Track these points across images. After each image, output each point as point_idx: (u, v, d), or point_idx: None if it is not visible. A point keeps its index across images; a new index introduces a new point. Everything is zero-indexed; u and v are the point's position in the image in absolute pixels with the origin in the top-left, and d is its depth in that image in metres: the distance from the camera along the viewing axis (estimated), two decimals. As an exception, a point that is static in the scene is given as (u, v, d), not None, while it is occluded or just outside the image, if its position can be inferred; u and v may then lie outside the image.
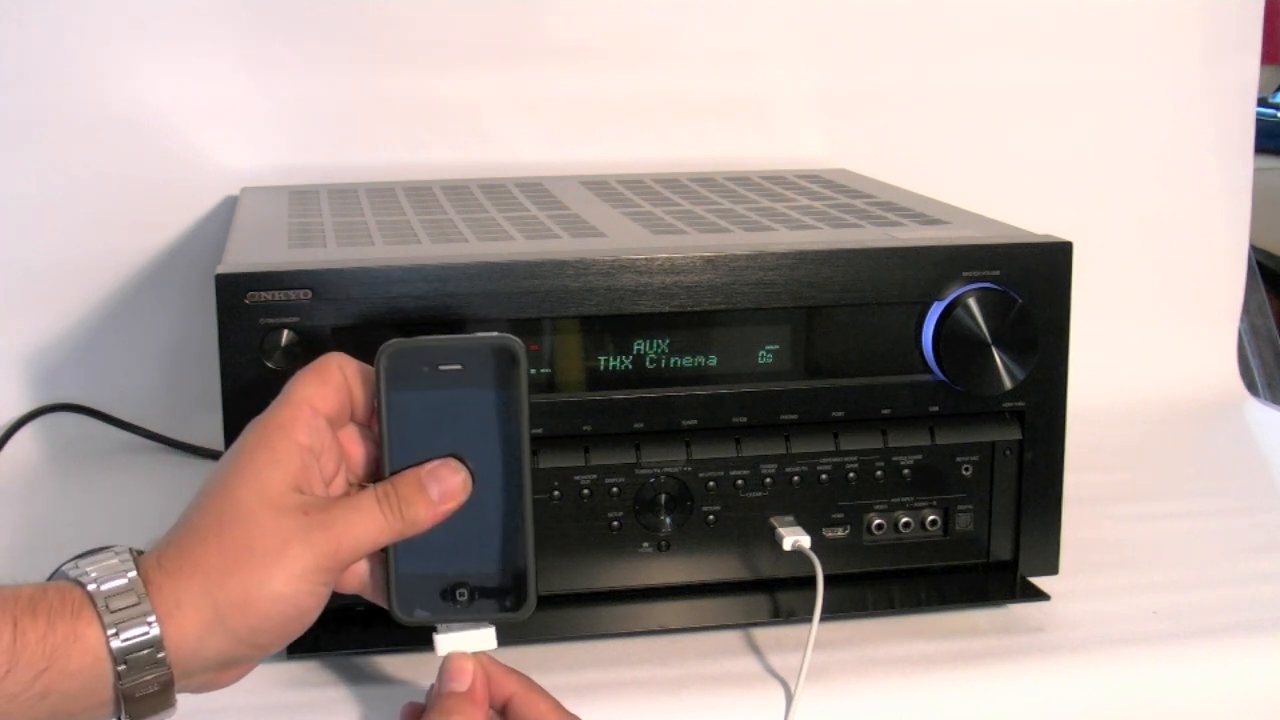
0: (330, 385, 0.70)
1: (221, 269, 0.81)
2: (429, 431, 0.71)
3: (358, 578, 0.72)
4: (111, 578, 0.64)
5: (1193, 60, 1.40)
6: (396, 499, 0.69)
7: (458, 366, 0.70)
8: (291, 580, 0.65)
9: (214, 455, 1.19)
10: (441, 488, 0.70)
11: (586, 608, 0.88)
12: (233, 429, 0.81)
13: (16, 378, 1.24)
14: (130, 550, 0.66)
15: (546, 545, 0.87)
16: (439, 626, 0.72)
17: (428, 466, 0.70)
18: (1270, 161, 1.89)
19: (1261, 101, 2.51)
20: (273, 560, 0.65)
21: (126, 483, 1.16)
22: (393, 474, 0.70)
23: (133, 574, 0.64)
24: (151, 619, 0.63)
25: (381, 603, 0.72)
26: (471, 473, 0.71)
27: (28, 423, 1.22)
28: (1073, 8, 1.37)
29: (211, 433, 1.13)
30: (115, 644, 0.63)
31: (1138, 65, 1.39)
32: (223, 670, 0.67)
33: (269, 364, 0.81)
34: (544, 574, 0.87)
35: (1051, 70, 1.38)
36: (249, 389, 0.81)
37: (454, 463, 0.70)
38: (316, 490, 0.69)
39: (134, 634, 0.63)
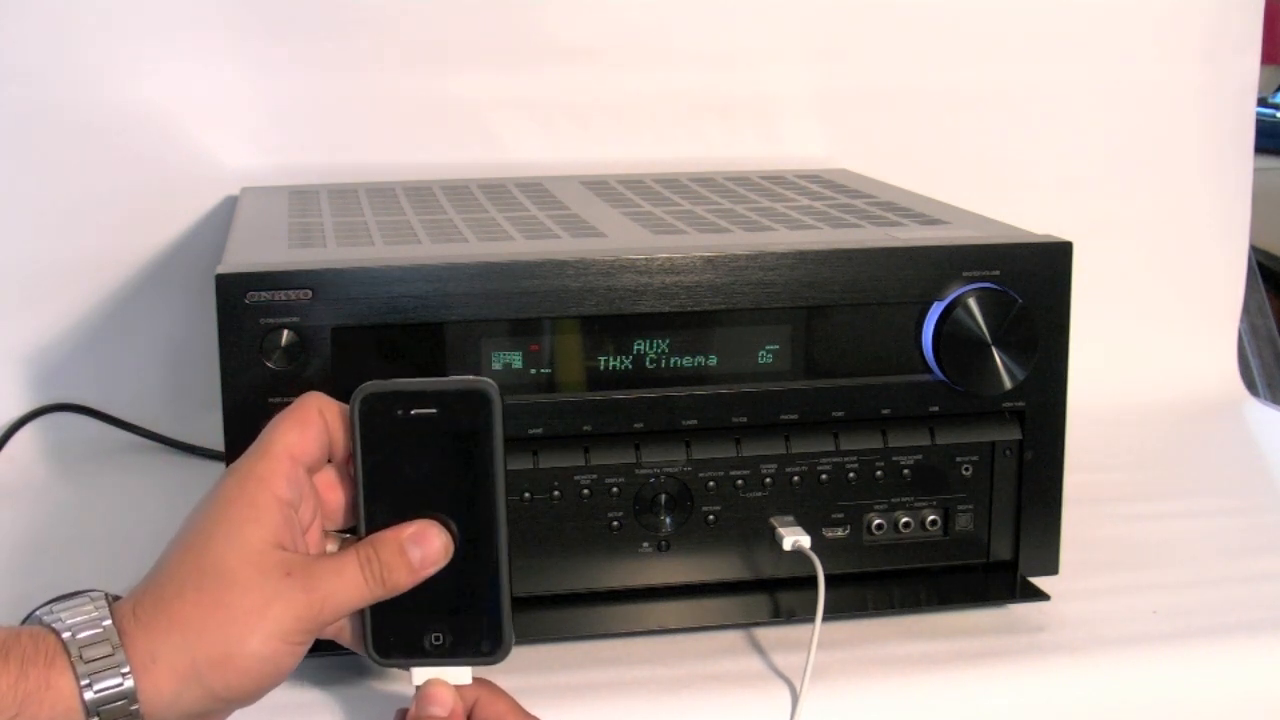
0: (310, 431, 0.69)
1: (221, 269, 0.81)
2: (404, 477, 0.70)
3: (334, 626, 0.71)
4: (86, 627, 0.63)
5: (1193, 60, 1.40)
6: (379, 564, 0.68)
7: (432, 410, 0.70)
8: (271, 640, 0.65)
9: (214, 455, 1.19)
10: (423, 552, 0.69)
11: (586, 608, 0.88)
12: (233, 429, 0.81)
13: (16, 378, 1.24)
14: (106, 596, 0.65)
15: (547, 545, 0.87)
16: None
17: (410, 530, 0.69)
18: (1270, 161, 1.89)
19: (1261, 101, 2.52)
20: (254, 620, 0.64)
21: (126, 483, 1.16)
22: (369, 522, 0.70)
23: (108, 623, 0.64)
24: (126, 670, 0.63)
25: (357, 649, 0.72)
26: (451, 531, 0.70)
27: (28, 423, 1.22)
28: (1072, 8, 1.37)
29: (211, 433, 1.13)
30: (88, 695, 0.62)
31: (1138, 65, 1.39)
32: None
33: (269, 364, 0.81)
34: (544, 574, 0.87)
35: (1051, 70, 1.38)
36: (249, 389, 0.81)
37: (436, 526, 0.70)
38: (296, 544, 0.68)
39: (107, 685, 0.62)
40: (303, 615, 0.66)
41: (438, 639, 0.71)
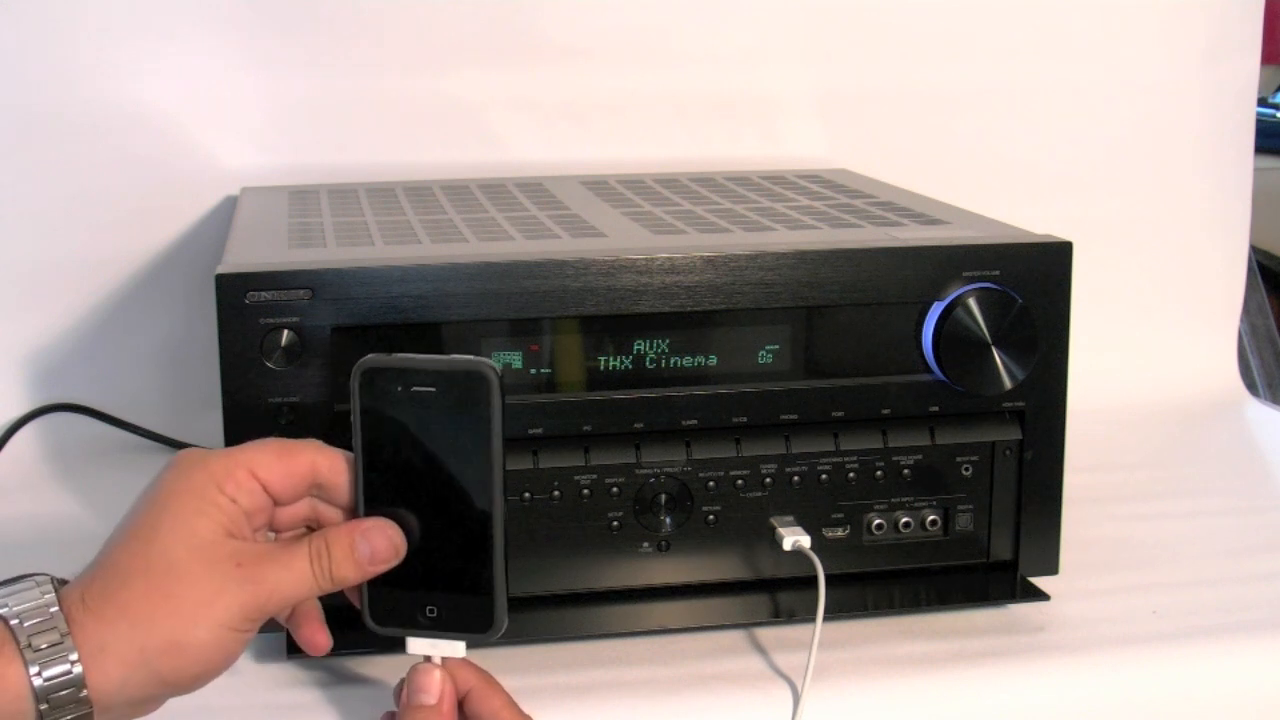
0: (285, 464, 0.70)
1: (221, 269, 0.81)
2: (402, 451, 0.71)
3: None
4: (34, 614, 0.64)
5: (1193, 60, 1.40)
6: (328, 558, 0.69)
7: (431, 389, 0.71)
8: (218, 630, 0.66)
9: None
10: (372, 549, 0.70)
11: (586, 608, 0.88)
12: (233, 429, 0.81)
13: (16, 378, 1.24)
14: (52, 581, 0.66)
15: (547, 545, 0.87)
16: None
17: (363, 525, 0.70)
18: (1270, 161, 1.89)
19: (1261, 101, 2.51)
20: (201, 609, 0.65)
21: (126, 483, 1.15)
22: (367, 496, 0.71)
23: (55, 609, 0.64)
24: (74, 657, 0.63)
25: (355, 602, 0.73)
26: (409, 527, 0.71)
27: (28, 423, 1.22)
28: (1073, 8, 1.37)
29: (211, 433, 1.13)
30: (38, 682, 0.63)
31: (1138, 65, 1.39)
32: (141, 705, 0.67)
33: (269, 364, 0.81)
34: (544, 574, 0.87)
35: (1051, 70, 1.38)
36: (249, 389, 0.81)
37: (390, 525, 0.70)
38: (245, 535, 0.69)
39: (56, 672, 0.63)
40: (249, 605, 0.67)
41: (431, 612, 0.72)
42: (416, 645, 0.73)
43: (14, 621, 0.64)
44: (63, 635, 0.63)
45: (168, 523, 0.67)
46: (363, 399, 0.70)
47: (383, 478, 0.71)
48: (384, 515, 0.71)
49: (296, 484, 0.70)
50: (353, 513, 0.72)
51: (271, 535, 0.72)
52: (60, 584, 0.66)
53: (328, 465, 0.71)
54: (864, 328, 0.89)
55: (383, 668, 0.84)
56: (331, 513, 0.72)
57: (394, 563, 0.70)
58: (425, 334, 0.84)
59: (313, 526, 0.73)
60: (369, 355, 0.71)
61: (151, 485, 0.69)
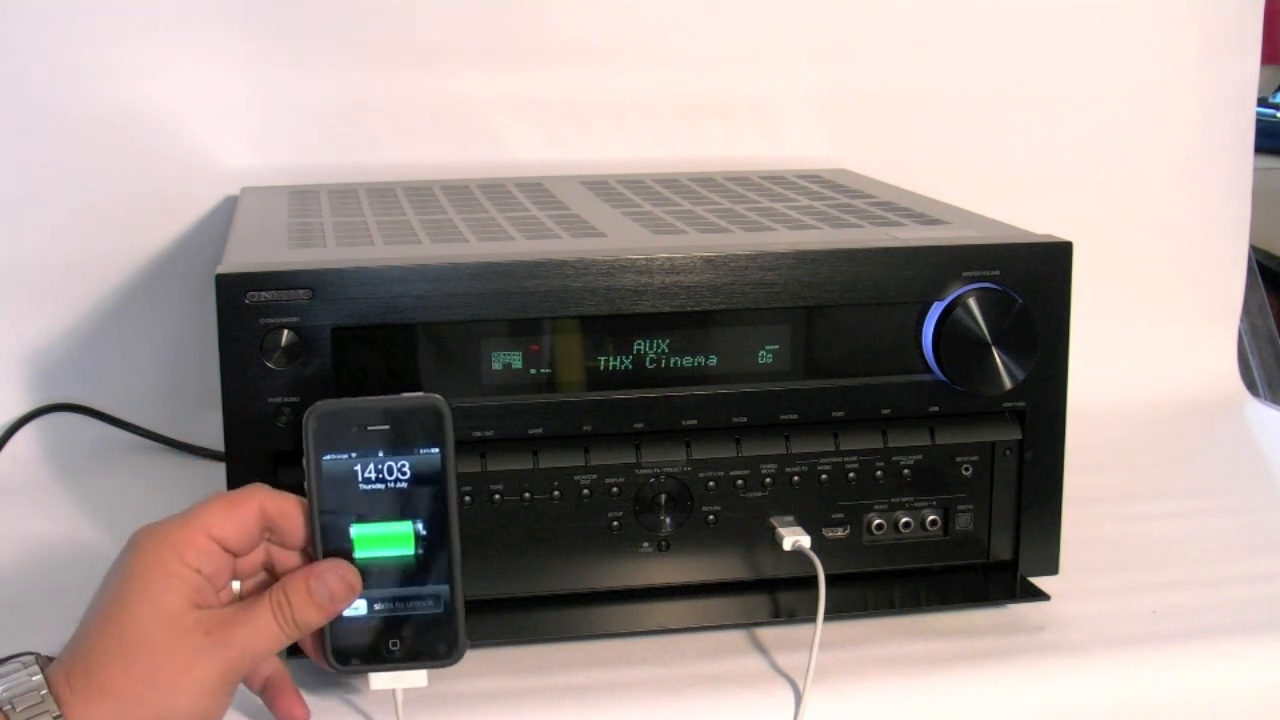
0: (236, 516, 0.72)
1: (221, 269, 0.81)
2: (358, 490, 0.73)
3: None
4: (27, 698, 0.66)
5: (1192, 61, 1.40)
6: (288, 607, 0.71)
7: (385, 427, 0.73)
8: (198, 696, 0.68)
9: (214, 455, 1.19)
10: (328, 590, 0.72)
11: (586, 608, 0.88)
12: (233, 429, 0.81)
13: (16, 378, 1.24)
14: (38, 660, 0.68)
15: (547, 545, 0.87)
16: None
17: (316, 569, 0.72)
18: (1270, 161, 1.89)
19: (1261, 101, 2.52)
20: (180, 681, 0.68)
21: (126, 483, 1.16)
22: (324, 541, 0.72)
23: (45, 692, 0.66)
24: None
25: (314, 657, 0.74)
26: (369, 563, 0.72)
27: (28, 423, 1.21)
28: (1073, 8, 1.37)
29: (211, 433, 1.13)
30: None
31: (1138, 65, 1.39)
32: None
33: (269, 364, 0.81)
34: (545, 574, 0.87)
35: (1052, 70, 1.38)
36: (249, 389, 0.81)
37: (342, 564, 0.72)
38: (211, 602, 0.71)
39: None
40: (225, 668, 0.69)
41: (394, 644, 0.74)
42: (380, 681, 0.75)
43: (7, 708, 0.66)
44: (54, 719, 0.66)
45: (137, 601, 0.69)
46: (316, 443, 0.72)
47: (338, 518, 0.73)
48: (341, 554, 0.73)
49: (249, 532, 0.72)
50: (308, 554, 0.74)
51: (237, 585, 0.74)
52: (45, 661, 0.68)
53: (275, 508, 0.73)
54: (864, 328, 0.89)
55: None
56: (285, 555, 0.74)
57: (352, 599, 0.73)
58: (425, 334, 0.84)
59: (269, 569, 0.75)
60: (320, 401, 0.73)
61: (117, 565, 0.71)
